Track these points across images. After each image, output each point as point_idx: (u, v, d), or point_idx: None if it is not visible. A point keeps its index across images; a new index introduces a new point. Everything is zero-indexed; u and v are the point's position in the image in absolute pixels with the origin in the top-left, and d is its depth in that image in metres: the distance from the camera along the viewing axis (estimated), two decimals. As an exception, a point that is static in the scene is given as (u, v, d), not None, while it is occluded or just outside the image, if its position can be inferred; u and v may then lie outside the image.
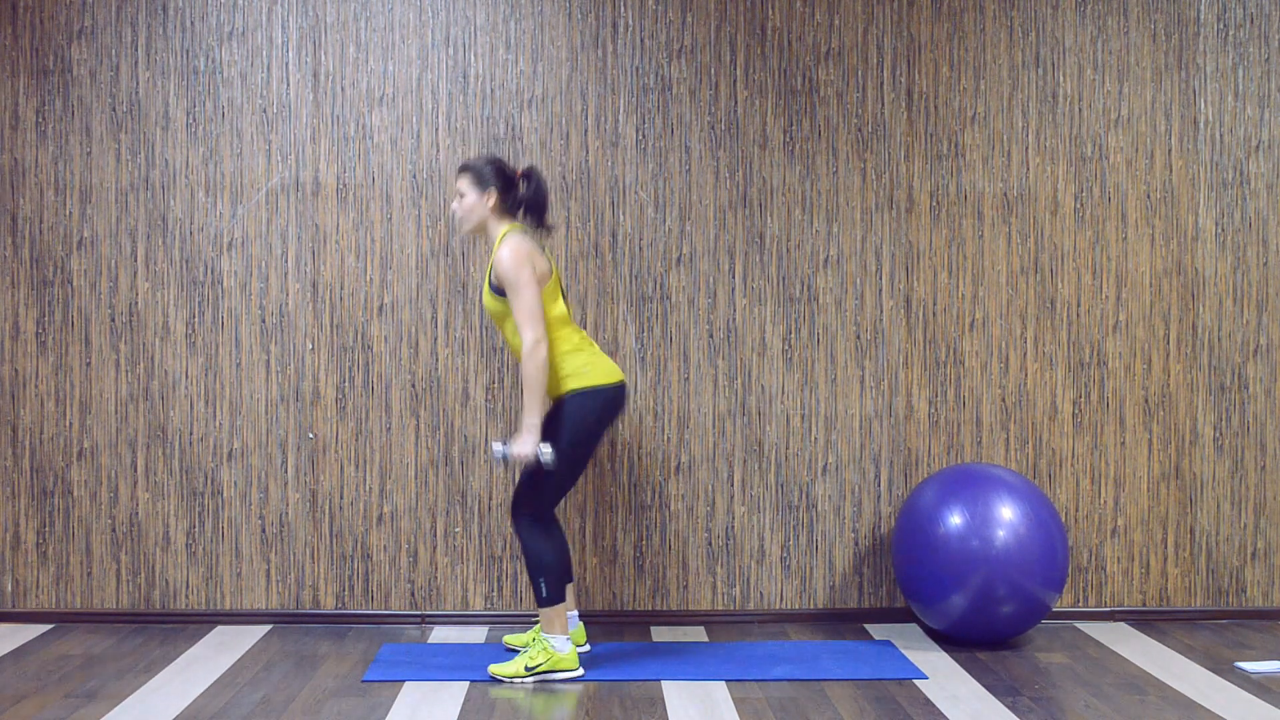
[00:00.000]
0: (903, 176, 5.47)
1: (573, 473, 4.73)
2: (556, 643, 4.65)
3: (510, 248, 4.59)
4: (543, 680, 4.63)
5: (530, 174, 4.75)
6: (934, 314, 5.48)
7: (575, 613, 4.98)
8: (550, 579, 4.65)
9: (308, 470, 5.40)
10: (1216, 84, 5.51)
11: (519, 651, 4.85)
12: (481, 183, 4.70)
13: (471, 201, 4.70)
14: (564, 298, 4.76)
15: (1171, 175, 5.51)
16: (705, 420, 5.45)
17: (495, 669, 4.67)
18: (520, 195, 4.74)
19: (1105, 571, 5.52)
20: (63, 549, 5.41)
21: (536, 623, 5.09)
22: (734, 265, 5.45)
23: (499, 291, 4.62)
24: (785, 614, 5.48)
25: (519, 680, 4.63)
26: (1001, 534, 4.86)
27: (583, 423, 4.65)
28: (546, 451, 4.57)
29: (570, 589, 4.93)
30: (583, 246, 5.42)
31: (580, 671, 4.68)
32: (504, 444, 4.65)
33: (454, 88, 5.42)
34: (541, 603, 4.66)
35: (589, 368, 4.68)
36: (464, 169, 4.74)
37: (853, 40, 5.46)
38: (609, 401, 4.71)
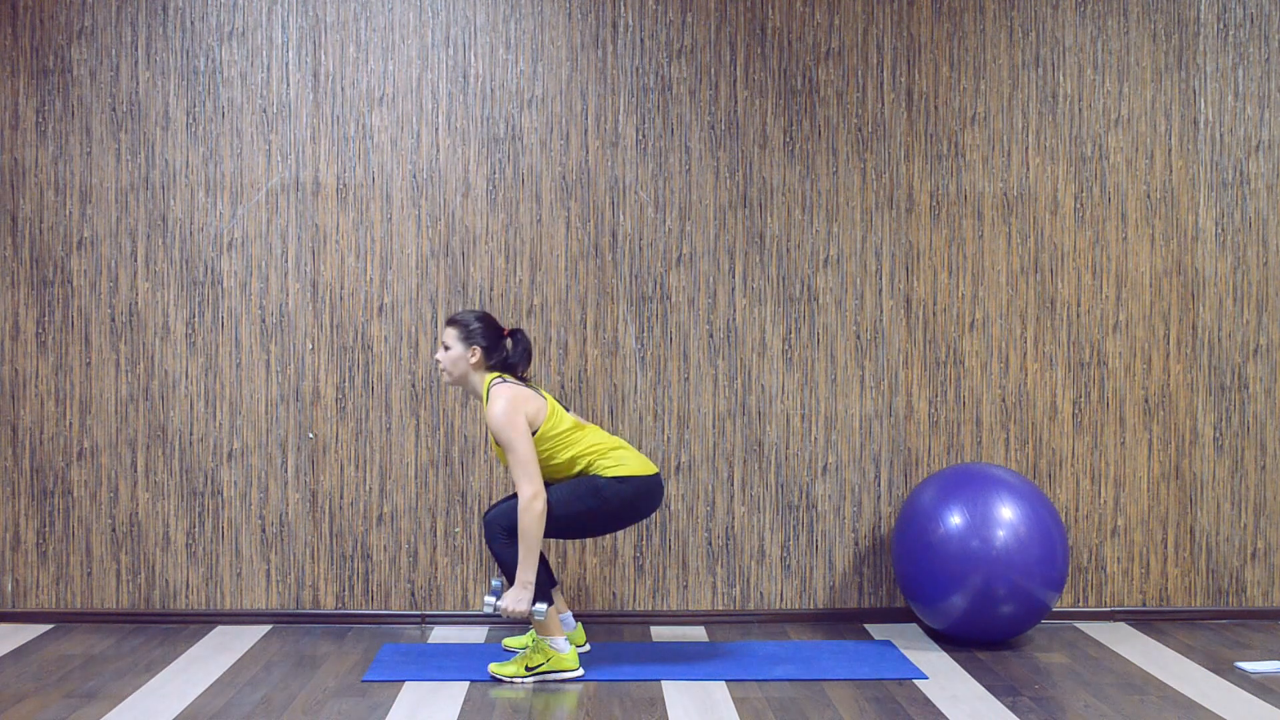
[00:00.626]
0: (903, 176, 5.47)
1: (574, 529, 4.75)
2: (556, 644, 4.65)
3: (500, 405, 4.59)
4: (543, 680, 4.63)
5: (517, 334, 4.79)
6: (934, 314, 5.48)
7: (569, 613, 4.98)
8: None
9: (308, 470, 5.40)
10: (1216, 84, 5.51)
11: (518, 653, 4.85)
12: (468, 339, 4.72)
13: (455, 355, 4.73)
14: (564, 409, 4.80)
15: (1171, 175, 5.51)
16: (705, 420, 5.45)
17: (495, 668, 4.67)
18: (505, 354, 4.76)
19: (1105, 571, 5.52)
20: (63, 549, 5.41)
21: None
22: (734, 265, 5.45)
23: (498, 442, 4.66)
24: (785, 614, 5.48)
25: (519, 680, 4.63)
26: (1001, 534, 4.86)
27: (610, 501, 4.66)
28: (540, 609, 4.57)
29: (556, 591, 4.93)
30: (583, 246, 5.42)
31: (580, 671, 4.68)
32: (496, 596, 4.64)
33: (454, 88, 5.42)
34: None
35: (621, 461, 4.71)
36: (452, 322, 4.77)
37: (853, 40, 5.46)
38: (647, 490, 4.72)
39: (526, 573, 4.56)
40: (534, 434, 4.63)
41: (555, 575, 5.15)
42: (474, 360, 4.73)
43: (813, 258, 5.46)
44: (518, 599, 4.56)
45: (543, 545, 4.83)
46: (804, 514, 5.47)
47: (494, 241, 5.42)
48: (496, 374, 4.73)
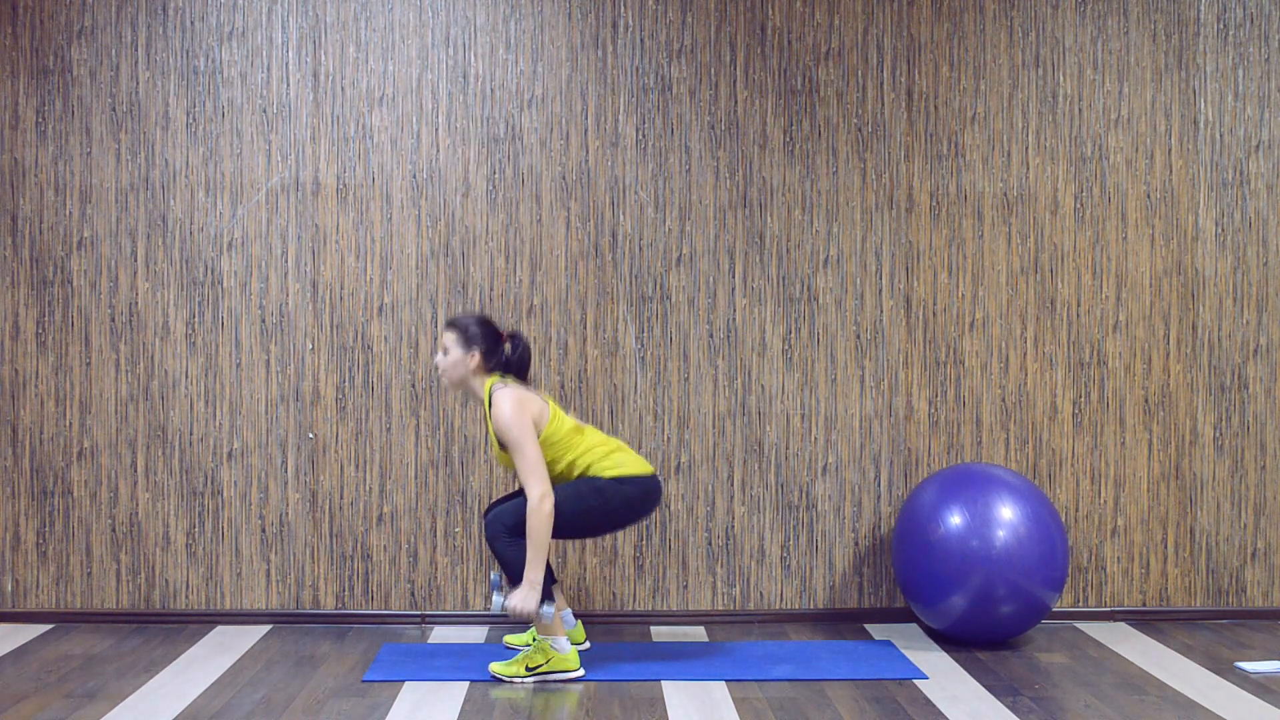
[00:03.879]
0: (903, 176, 5.47)
1: (579, 529, 4.75)
2: (557, 643, 4.65)
3: (507, 405, 4.59)
4: (543, 680, 4.63)
5: (516, 337, 4.78)
6: (934, 314, 5.48)
7: (568, 610, 4.98)
8: None
9: (308, 470, 5.40)
10: (1216, 84, 5.51)
11: (519, 652, 4.85)
12: (467, 343, 4.72)
13: (455, 359, 4.72)
14: (563, 411, 4.81)
15: (1171, 175, 5.51)
16: (705, 420, 5.45)
17: (496, 668, 4.67)
18: (505, 357, 4.76)
19: (1105, 571, 5.52)
20: (63, 549, 5.41)
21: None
22: (734, 265, 5.45)
23: (505, 445, 4.66)
24: (785, 614, 5.48)
25: (519, 680, 4.63)
26: (1001, 534, 4.86)
27: (612, 501, 4.68)
28: (548, 612, 4.58)
29: (557, 589, 4.94)
30: (583, 246, 5.42)
31: (581, 671, 4.68)
32: (497, 590, 4.66)
33: (454, 88, 5.42)
34: None
35: (621, 462, 4.72)
36: (451, 326, 4.76)
37: (853, 40, 5.46)
38: (646, 490, 4.74)
39: (535, 572, 4.56)
40: (537, 436, 4.63)
41: (555, 574, 5.15)
42: (473, 364, 4.72)
43: (813, 258, 5.46)
44: (525, 598, 4.56)
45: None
46: (804, 514, 5.47)
47: (494, 241, 5.42)
48: (497, 377, 4.73)
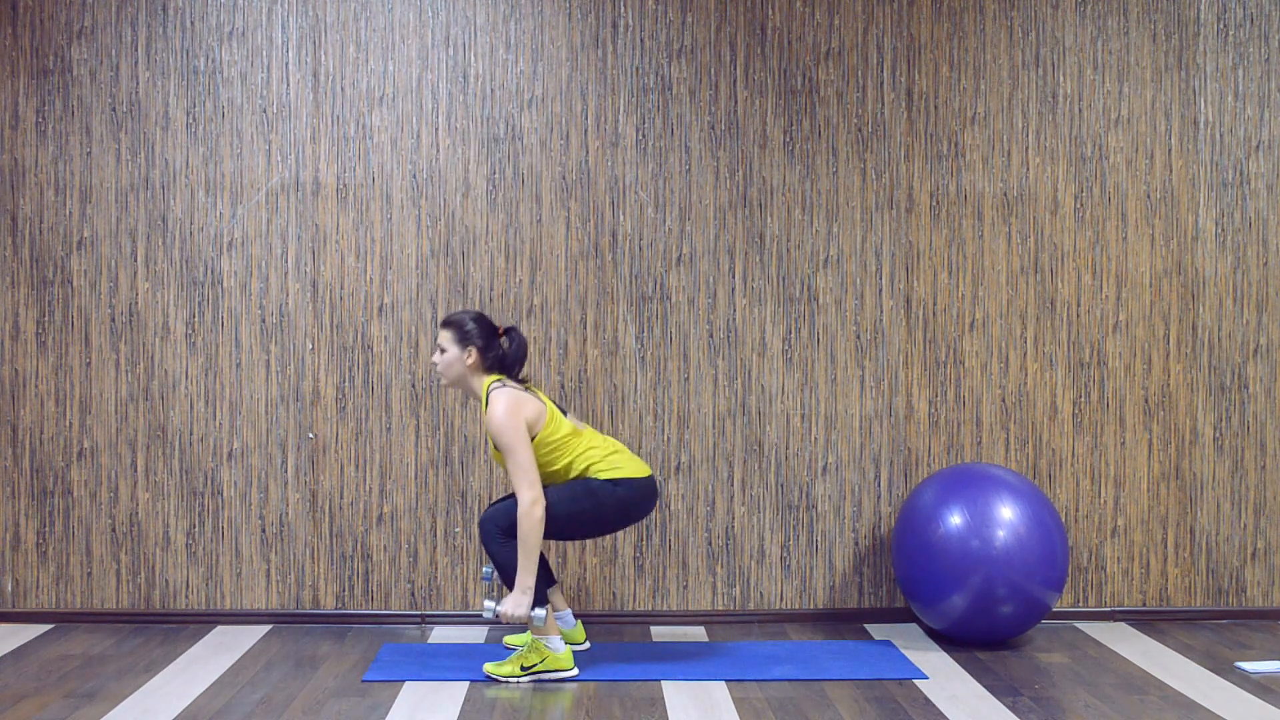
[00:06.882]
0: (903, 176, 5.47)
1: (572, 530, 4.74)
2: (551, 643, 4.65)
3: (501, 407, 4.59)
4: (539, 680, 4.63)
5: (512, 332, 4.77)
6: (934, 314, 5.48)
7: (568, 610, 4.98)
8: None
9: (308, 470, 5.40)
10: (1216, 84, 5.51)
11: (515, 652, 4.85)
12: (463, 340, 4.71)
13: (451, 358, 4.72)
14: (563, 413, 4.80)
15: (1171, 175, 5.51)
16: (705, 420, 5.45)
17: (490, 668, 4.67)
18: (501, 353, 4.75)
19: (1105, 571, 5.52)
20: (63, 549, 5.41)
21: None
22: (734, 265, 5.45)
23: (497, 447, 4.65)
24: (785, 614, 5.48)
25: (514, 680, 4.63)
26: (1001, 534, 4.86)
27: (606, 503, 4.67)
28: (540, 615, 4.57)
29: (555, 591, 4.93)
30: (583, 246, 5.42)
31: (575, 671, 4.68)
32: (495, 601, 4.64)
33: (454, 88, 5.42)
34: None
35: (618, 465, 4.71)
36: (447, 324, 4.75)
37: (853, 40, 5.46)
38: (642, 492, 4.73)
39: (526, 578, 4.55)
40: (533, 439, 4.62)
41: (555, 574, 5.15)
42: (470, 361, 4.72)
43: (813, 258, 5.46)
44: (518, 604, 4.55)
45: (542, 550, 4.84)
46: (804, 514, 5.47)
47: (494, 241, 5.42)
48: (495, 377, 4.73)
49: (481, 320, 4.76)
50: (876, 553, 5.49)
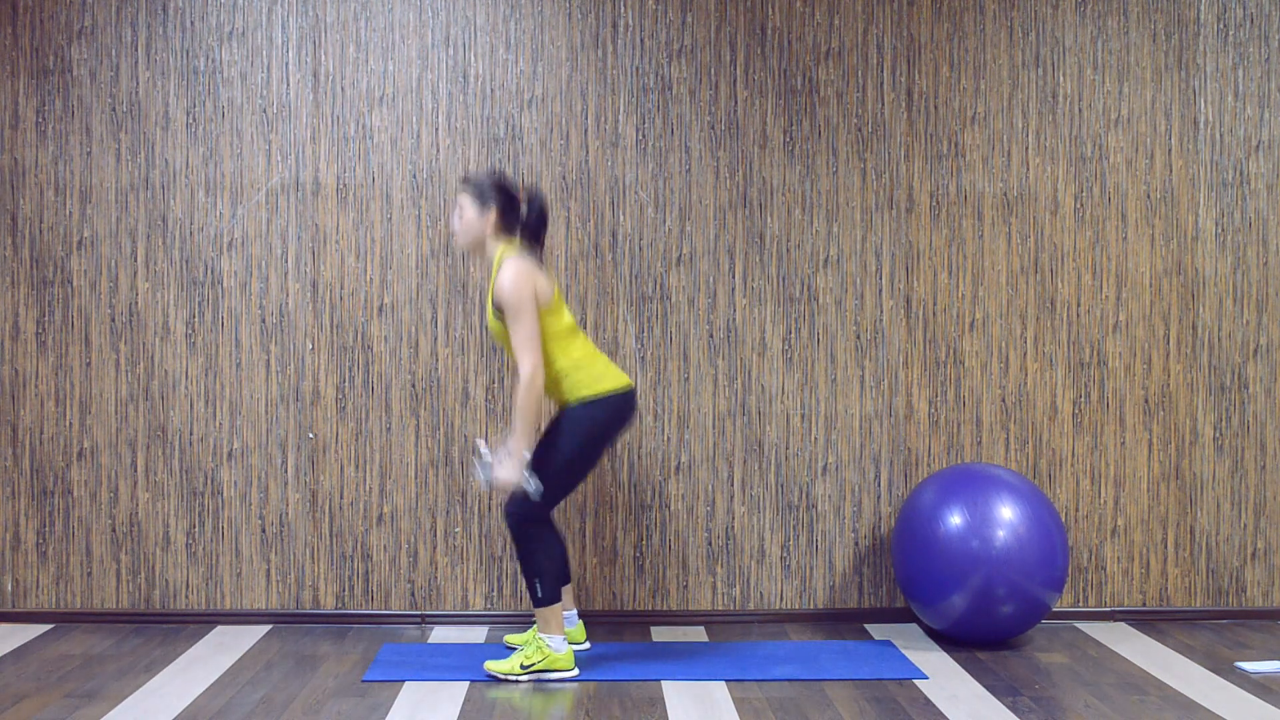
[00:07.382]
0: (903, 176, 5.47)
1: (572, 480, 4.71)
2: (553, 643, 4.65)
3: (511, 273, 4.53)
4: (538, 679, 4.63)
5: (533, 196, 4.70)
6: (934, 314, 5.48)
7: (574, 611, 4.98)
8: (545, 580, 4.64)
9: (308, 470, 5.40)
10: (1216, 84, 5.51)
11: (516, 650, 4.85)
12: (483, 200, 4.65)
13: (471, 218, 4.65)
14: (566, 308, 4.76)
15: (1171, 175, 5.51)
16: (705, 420, 5.45)
17: (491, 665, 4.67)
18: (521, 216, 4.70)
19: (1105, 571, 5.52)
20: (63, 549, 5.41)
21: (535, 622, 5.09)
22: (734, 265, 5.45)
23: (501, 313, 4.60)
24: (785, 614, 5.48)
25: (513, 678, 4.63)
26: (1001, 534, 4.86)
27: (590, 431, 4.64)
28: (532, 482, 4.56)
29: (568, 589, 4.93)
30: (583, 246, 5.42)
31: (575, 672, 4.68)
32: (488, 460, 4.60)
33: (454, 88, 5.42)
34: (537, 603, 4.65)
35: (599, 376, 4.67)
36: (465, 183, 4.69)
37: (853, 40, 5.46)
38: (618, 409, 4.69)
39: (518, 442, 4.50)
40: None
41: (570, 573, 5.13)
42: (490, 222, 4.63)
43: (813, 258, 5.46)
44: (510, 469, 4.52)
45: (564, 542, 4.83)
46: (804, 514, 5.47)
47: (494, 241, 5.41)
48: (513, 246, 4.64)
49: (501, 180, 4.67)
50: (876, 553, 5.49)
